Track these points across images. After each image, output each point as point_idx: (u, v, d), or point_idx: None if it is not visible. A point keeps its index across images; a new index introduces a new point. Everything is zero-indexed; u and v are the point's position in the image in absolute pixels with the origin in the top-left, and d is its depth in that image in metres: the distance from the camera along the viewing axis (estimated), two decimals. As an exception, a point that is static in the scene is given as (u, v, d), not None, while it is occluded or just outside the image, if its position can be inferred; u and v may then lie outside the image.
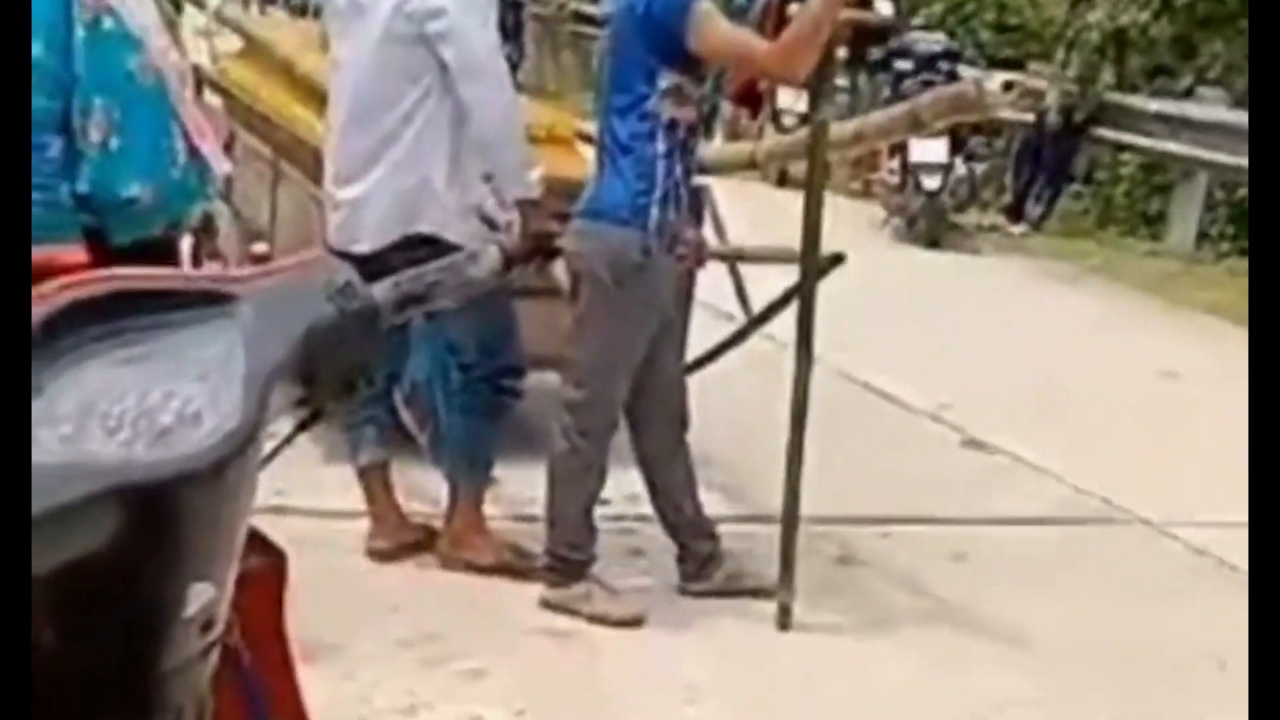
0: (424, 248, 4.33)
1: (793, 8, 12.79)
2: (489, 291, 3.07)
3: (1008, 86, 4.61)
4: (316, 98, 5.61)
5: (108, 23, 3.72)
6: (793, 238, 4.75)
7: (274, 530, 1.58)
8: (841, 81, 12.81)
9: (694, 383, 5.14)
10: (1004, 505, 5.87)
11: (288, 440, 1.62)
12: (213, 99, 7.13)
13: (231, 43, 8.01)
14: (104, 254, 3.66)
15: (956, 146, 11.06)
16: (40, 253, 3.60)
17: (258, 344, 1.43)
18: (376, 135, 4.60)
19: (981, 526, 5.65)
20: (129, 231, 3.78)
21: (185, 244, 4.16)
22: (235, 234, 5.29)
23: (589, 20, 16.40)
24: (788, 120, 12.16)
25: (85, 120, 3.70)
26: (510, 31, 15.92)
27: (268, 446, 1.48)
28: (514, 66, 15.01)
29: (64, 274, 3.50)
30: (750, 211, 6.95)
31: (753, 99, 13.00)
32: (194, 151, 3.91)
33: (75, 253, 3.65)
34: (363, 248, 4.55)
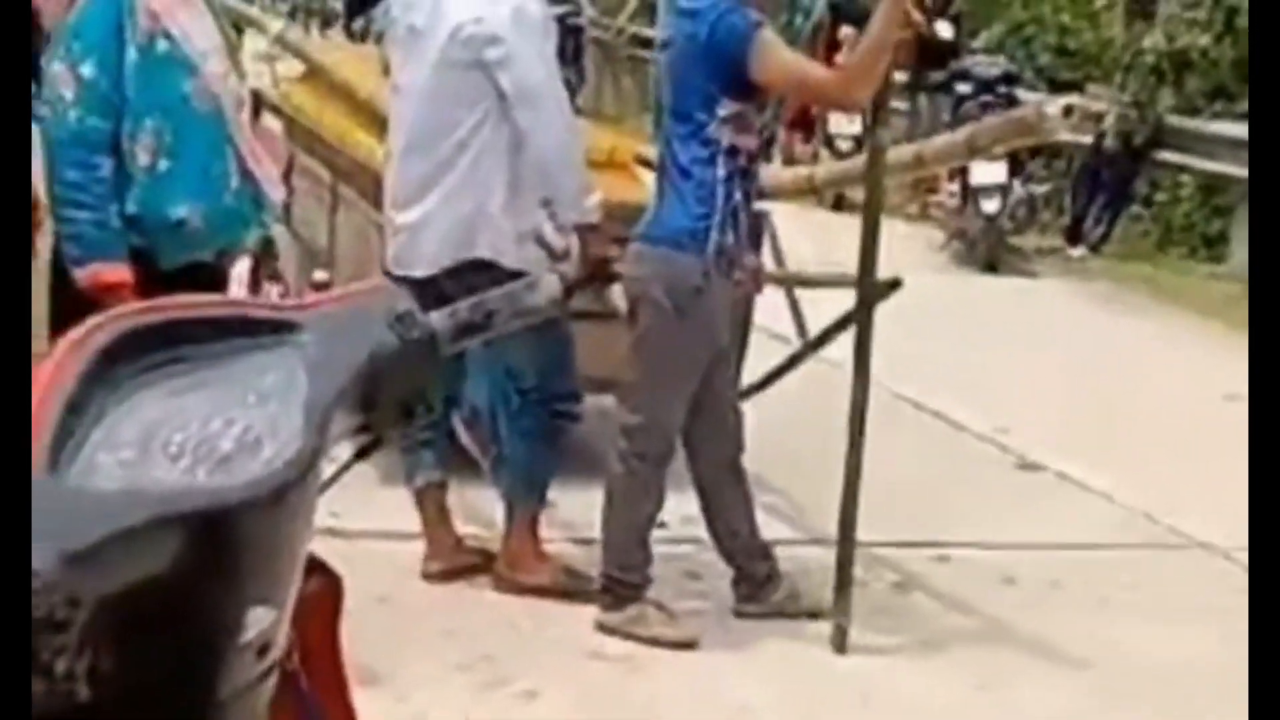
0: (481, 273, 4.38)
1: (844, 30, 12.87)
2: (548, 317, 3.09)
3: (1067, 111, 4.59)
4: (376, 123, 5.65)
5: (162, 45, 3.76)
6: (850, 261, 4.75)
7: (329, 552, 1.60)
8: (901, 105, 12.83)
9: (750, 405, 5.15)
10: (1061, 529, 5.84)
11: (346, 467, 1.63)
12: (273, 123, 7.21)
13: (293, 67, 8.08)
14: (154, 276, 3.71)
15: (1016, 169, 11.03)
16: (85, 271, 3.69)
17: (318, 371, 1.44)
18: (434, 160, 4.63)
19: (1036, 550, 5.62)
20: (180, 254, 3.82)
21: (244, 267, 4.20)
22: (295, 257, 5.34)
23: (649, 44, 16.42)
24: (842, 144, 12.17)
25: (134, 142, 3.75)
26: (570, 56, 16.00)
27: (327, 471, 1.48)
28: (574, 91, 15.10)
29: (108, 291, 3.57)
30: (808, 235, 6.97)
31: (805, 123, 13.00)
32: (249, 177, 3.95)
33: (120, 271, 3.71)
34: (420, 272, 4.59)
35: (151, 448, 1.36)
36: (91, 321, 1.38)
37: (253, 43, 8.51)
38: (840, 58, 6.53)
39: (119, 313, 1.42)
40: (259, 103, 7.33)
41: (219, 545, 1.30)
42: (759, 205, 5.02)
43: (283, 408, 1.41)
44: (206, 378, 1.42)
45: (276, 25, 8.60)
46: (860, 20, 13.15)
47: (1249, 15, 8.98)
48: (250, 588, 1.36)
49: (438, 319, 1.63)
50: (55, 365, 1.34)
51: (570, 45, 15.98)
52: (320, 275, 3.95)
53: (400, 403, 1.59)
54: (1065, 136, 10.17)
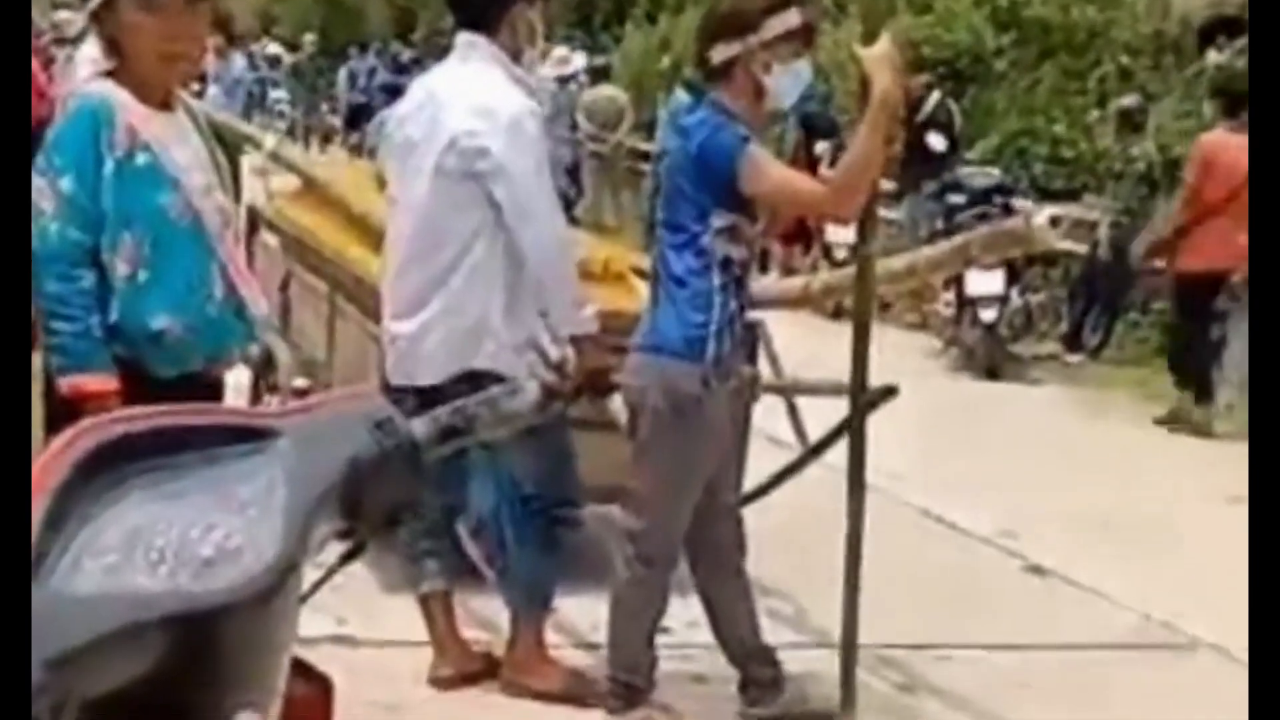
0: (481, 382, 4.36)
1: (820, 146, 13.03)
2: (547, 426, 3.09)
3: (1054, 221, 4.64)
4: (372, 236, 5.70)
5: (141, 159, 3.79)
6: (848, 369, 4.76)
7: (337, 660, 1.58)
8: (895, 215, 12.95)
9: (751, 511, 5.15)
10: (1067, 631, 5.82)
11: (332, 572, 1.63)
12: (269, 238, 7.26)
13: (289, 182, 8.15)
14: (144, 386, 3.70)
15: (1012, 278, 11.12)
16: (68, 381, 3.71)
17: (299, 478, 1.45)
18: (432, 271, 4.66)
19: (1044, 652, 5.60)
20: (165, 364, 3.83)
21: (244, 378, 4.21)
22: (294, 369, 5.35)
23: (646, 156, 16.61)
24: (839, 253, 12.26)
25: (114, 254, 3.77)
26: (568, 169, 16.18)
27: (316, 576, 1.50)
28: (571, 203, 15.29)
29: (91, 401, 3.56)
30: (806, 343, 7.01)
31: (803, 234, 13.11)
32: (233, 290, 3.95)
33: (103, 381, 3.72)
34: (420, 382, 4.60)
35: (134, 553, 1.37)
36: (75, 429, 1.41)
37: (248, 159, 8.59)
38: (822, 171, 6.62)
39: (102, 421, 1.44)
40: (255, 218, 7.39)
41: (200, 649, 1.31)
42: (753, 315, 5.05)
43: (263, 514, 1.42)
44: (188, 485, 1.44)
45: (270, 141, 8.65)
46: (831, 132, 13.37)
47: (1249, 119, 9.15)
48: (233, 691, 1.36)
49: (419, 425, 1.64)
50: (38, 472, 1.36)
51: (569, 158, 16.30)
52: (301, 383, 3.98)
53: (384, 509, 1.59)
54: (1061, 245, 10.23)
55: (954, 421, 8.81)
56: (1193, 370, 9.79)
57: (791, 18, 4.46)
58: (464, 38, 4.77)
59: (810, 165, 10.37)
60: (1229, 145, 9.31)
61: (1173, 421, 9.63)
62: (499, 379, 4.35)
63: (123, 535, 1.37)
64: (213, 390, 4.01)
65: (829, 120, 13.51)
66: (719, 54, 4.47)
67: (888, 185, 12.21)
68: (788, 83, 4.52)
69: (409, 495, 1.63)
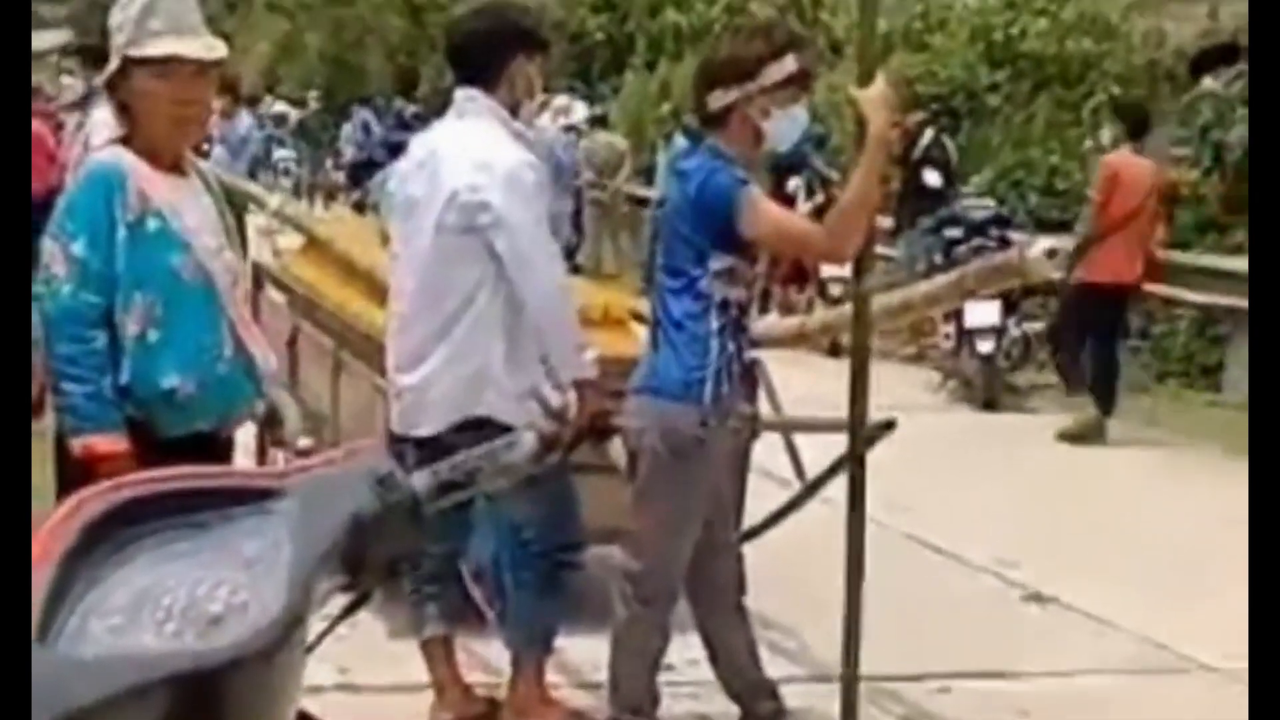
0: (483, 430, 4.38)
1: (793, 182, 13.12)
2: (548, 471, 3.17)
3: (1051, 253, 4.66)
4: (376, 291, 5.77)
5: (152, 223, 3.86)
6: (845, 404, 4.81)
7: (341, 708, 1.65)
8: (892, 251, 13.04)
9: (751, 547, 5.20)
10: (1069, 658, 5.87)
11: (336, 624, 1.68)
12: (275, 295, 7.36)
13: (294, 239, 8.26)
14: (154, 446, 3.76)
15: (1010, 309, 11.16)
16: (79, 441, 3.76)
17: (302, 535, 1.50)
18: (435, 323, 4.72)
19: (1045, 679, 5.65)
20: (175, 423, 3.88)
21: (251, 434, 4.27)
22: (301, 424, 5.44)
23: (645, 203, 16.73)
24: (835, 289, 12.35)
25: (125, 314, 3.83)
26: (568, 216, 16.29)
27: (320, 627, 1.55)
28: (572, 250, 15.38)
29: (102, 461, 3.61)
30: (805, 380, 7.07)
31: (798, 272, 13.21)
32: (242, 348, 4.01)
33: (114, 442, 3.77)
34: (424, 432, 4.67)
35: (140, 613, 1.41)
36: (82, 495, 1.45)
37: (254, 218, 8.70)
38: (800, 206, 6.69)
39: (108, 486, 1.48)
40: (261, 276, 7.50)
41: (206, 705, 1.35)
42: (752, 354, 5.11)
43: (269, 570, 1.46)
44: (194, 545, 1.48)
45: (275, 201, 8.77)
46: (798, 168, 13.43)
47: (1248, 154, 9.34)
48: None
49: (419, 479, 1.68)
50: (47, 537, 1.40)
51: (569, 206, 16.37)
52: (304, 442, 4.05)
53: (385, 561, 1.64)
54: (1058, 275, 10.31)
55: (953, 452, 8.87)
56: (1090, 379, 10.34)
57: (788, 64, 4.49)
58: (462, 93, 4.84)
59: (783, 203, 10.47)
60: (1132, 165, 10.17)
61: (1079, 437, 9.99)
62: (500, 426, 4.44)
63: (130, 596, 1.41)
64: (223, 450, 4.07)
65: (798, 156, 13.58)
66: (717, 100, 4.51)
67: (884, 222, 12.34)
68: (785, 127, 4.56)
69: (410, 548, 1.69)
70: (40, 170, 9.86)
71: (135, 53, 3.88)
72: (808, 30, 18.23)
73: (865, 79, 4.46)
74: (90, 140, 6.92)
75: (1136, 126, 10.42)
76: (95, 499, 1.44)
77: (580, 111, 17.97)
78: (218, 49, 4.04)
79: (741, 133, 4.51)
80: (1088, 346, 10.39)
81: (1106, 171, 10.29)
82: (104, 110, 7.32)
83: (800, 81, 4.59)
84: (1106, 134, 11.13)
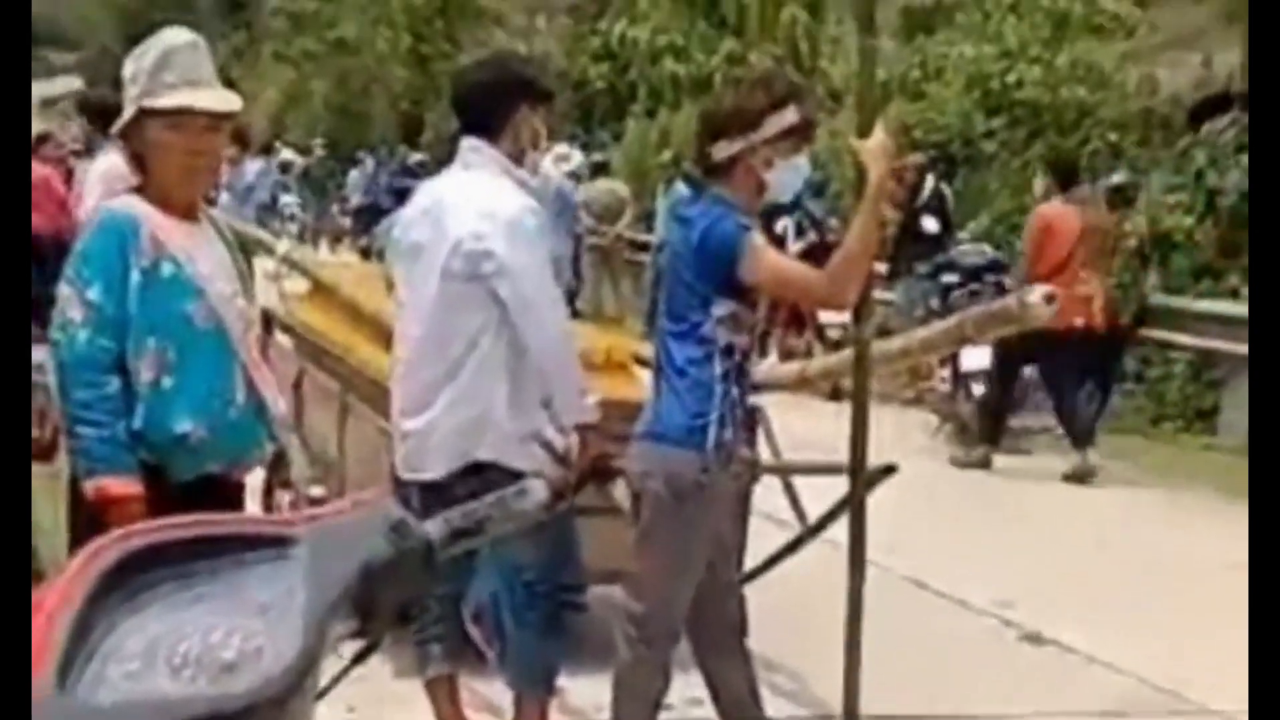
0: (486, 474, 4.50)
1: (780, 223, 13.19)
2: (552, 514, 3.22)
3: (1049, 299, 4.70)
4: (381, 336, 5.82)
5: (166, 269, 3.91)
6: (846, 447, 4.86)
7: None
8: (890, 296, 13.12)
9: (752, 588, 5.25)
10: (1067, 699, 5.91)
11: (348, 670, 1.71)
12: (282, 339, 7.43)
13: (300, 284, 8.33)
14: (164, 489, 3.82)
15: (1007, 353, 11.24)
16: (92, 484, 3.80)
17: (316, 582, 1.52)
18: (439, 369, 4.76)
19: (1043, 720, 5.67)
20: (188, 467, 3.92)
21: (257, 477, 4.29)
22: (307, 466, 5.50)
23: (643, 247, 16.83)
24: (833, 333, 12.44)
25: (138, 360, 3.87)
26: (569, 261, 16.39)
27: (332, 670, 1.58)
28: (573, 295, 15.46)
29: (115, 504, 3.64)
30: (805, 423, 7.14)
31: (796, 316, 13.31)
32: (254, 392, 4.06)
33: (126, 485, 3.81)
34: (428, 475, 4.72)
35: (156, 660, 1.44)
36: (98, 543, 1.47)
37: (261, 263, 8.77)
38: (790, 246, 6.72)
39: (124, 534, 1.50)
40: (268, 320, 7.57)
41: None
42: (753, 399, 5.14)
43: (283, 616, 1.48)
44: (210, 591, 1.50)
45: (282, 246, 8.86)
46: (788, 209, 13.52)
47: (1248, 196, 9.48)
48: None
49: (431, 526, 1.71)
50: (64, 586, 1.43)
51: (570, 251, 16.42)
52: (317, 491, 4.09)
53: (396, 607, 1.66)
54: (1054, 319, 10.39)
55: (950, 494, 8.97)
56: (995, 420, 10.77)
57: (790, 115, 4.52)
58: (468, 143, 4.88)
59: (773, 243, 10.59)
60: (1063, 215, 10.58)
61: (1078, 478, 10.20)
62: (504, 470, 4.51)
63: (146, 642, 1.43)
64: (233, 493, 4.11)
65: (792, 199, 13.68)
66: (721, 150, 4.54)
67: (881, 268, 12.42)
68: (788, 177, 4.59)
69: (420, 593, 1.70)
70: (49, 214, 10.00)
71: (149, 103, 3.93)
72: (806, 79, 18.43)
73: (865, 129, 4.51)
74: (82, 191, 7.00)
75: (1066, 178, 10.86)
76: (111, 547, 1.46)
77: (577, 158, 18.12)
78: (231, 101, 4.10)
79: (744, 182, 4.55)
80: (1052, 387, 10.70)
81: (1039, 223, 10.72)
82: (104, 159, 7.42)
83: (802, 133, 4.62)
84: (1039, 185, 11.33)
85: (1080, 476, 10.15)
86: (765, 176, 4.53)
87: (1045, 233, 10.58)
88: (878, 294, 12.11)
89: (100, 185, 7.35)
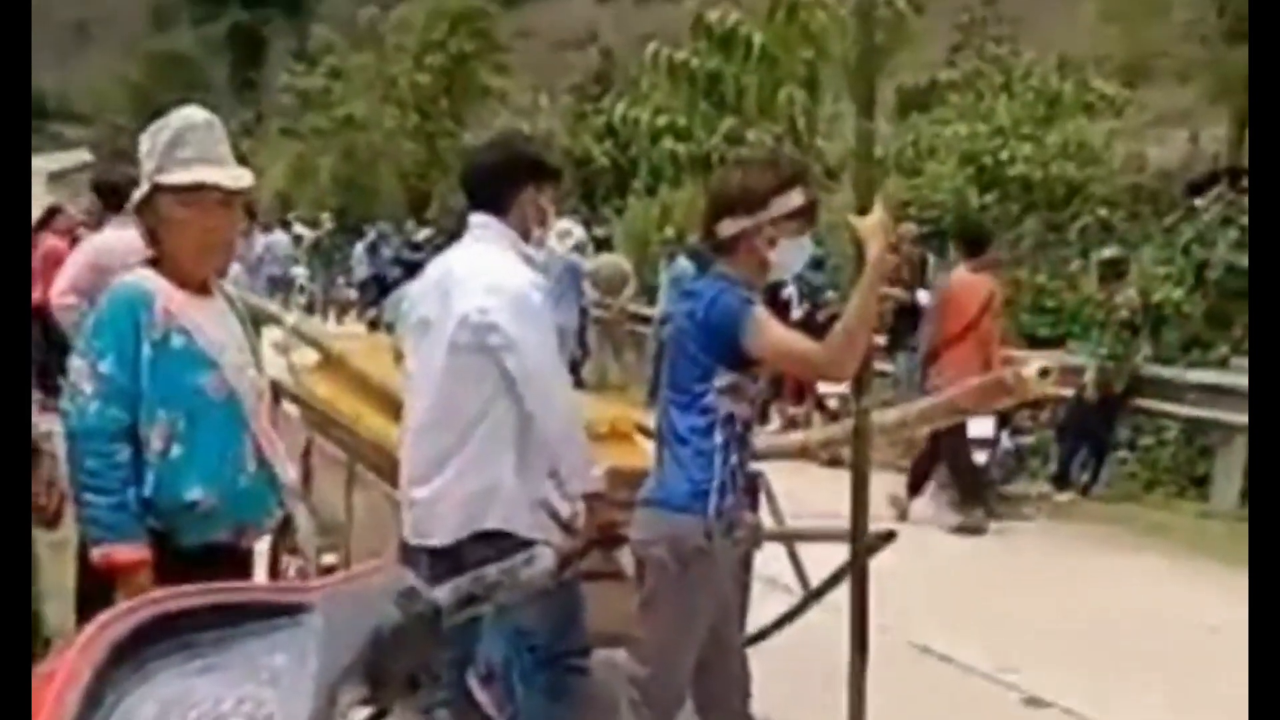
0: (494, 541, 4.58)
1: (785, 291, 13.28)
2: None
3: (1043, 373, 4.75)
4: (389, 405, 5.87)
5: (177, 342, 3.97)
6: (845, 512, 4.91)
7: None
8: (887, 367, 13.25)
9: (755, 653, 5.26)
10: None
11: None
12: (289, 408, 7.54)
13: (308, 355, 8.42)
14: (172, 556, 3.87)
15: (1003, 422, 11.35)
16: (100, 551, 3.85)
17: (326, 649, 1.54)
18: (447, 440, 4.83)
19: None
20: (196, 535, 3.97)
21: (264, 543, 4.36)
22: (314, 532, 5.58)
23: (645, 320, 17.00)
24: (832, 403, 12.58)
25: (148, 429, 3.92)
26: (576, 332, 16.54)
27: None
28: (577, 365, 15.57)
29: (123, 571, 3.65)
30: (805, 489, 7.22)
31: (799, 387, 13.47)
32: (264, 461, 4.12)
33: (134, 552, 3.86)
34: (436, 542, 4.79)
35: None
36: (107, 615, 1.48)
37: (270, 334, 8.86)
38: (793, 315, 6.77)
39: (134, 605, 1.51)
40: (276, 390, 7.67)
41: None
42: (754, 466, 5.20)
43: (293, 685, 1.48)
44: (221, 659, 1.50)
45: (291, 318, 8.98)
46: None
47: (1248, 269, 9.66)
48: None
49: (440, 594, 1.73)
50: (73, 659, 1.43)
51: (575, 323, 16.51)
52: (328, 559, 4.14)
53: (406, 675, 1.67)
54: (1049, 391, 10.52)
55: (950, 560, 9.04)
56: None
57: (796, 197, 4.58)
58: (477, 219, 4.98)
59: (779, 310, 10.81)
60: (969, 283, 10.94)
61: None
62: (511, 537, 4.58)
63: (157, 710, 1.44)
64: (242, 560, 4.15)
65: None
66: (727, 228, 4.61)
67: (880, 340, 12.58)
68: (791, 255, 4.65)
69: (429, 659, 1.71)
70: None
71: (163, 179, 3.99)
72: (804, 156, 18.63)
73: (863, 206, 4.57)
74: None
75: (973, 247, 11.20)
76: (121, 619, 1.47)
77: (578, 234, 18.32)
78: (244, 178, 4.13)
79: (749, 259, 4.61)
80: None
81: (948, 291, 11.12)
82: (111, 232, 7.52)
83: (807, 214, 4.68)
84: (952, 253, 11.62)
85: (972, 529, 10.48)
86: (769, 255, 4.60)
87: (948, 302, 10.97)
88: (877, 365, 12.24)
89: (83, 262, 7.43)
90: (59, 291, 7.42)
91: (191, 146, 4.01)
